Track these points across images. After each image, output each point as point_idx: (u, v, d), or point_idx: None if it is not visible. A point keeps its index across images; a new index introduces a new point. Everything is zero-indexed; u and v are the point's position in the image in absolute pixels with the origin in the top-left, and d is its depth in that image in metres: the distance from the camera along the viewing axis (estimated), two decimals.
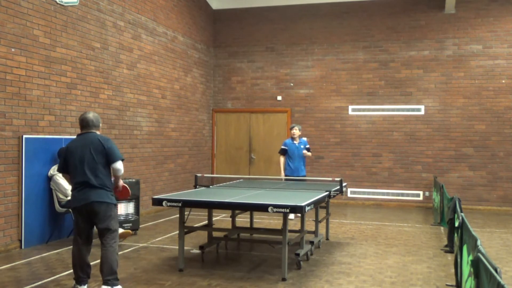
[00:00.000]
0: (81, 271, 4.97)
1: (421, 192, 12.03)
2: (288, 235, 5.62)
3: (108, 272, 4.84)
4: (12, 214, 6.88)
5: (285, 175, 9.63)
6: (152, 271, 5.83)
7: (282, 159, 9.80)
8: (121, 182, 5.20)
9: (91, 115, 5.10)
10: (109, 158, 4.96)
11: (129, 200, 8.07)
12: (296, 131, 9.72)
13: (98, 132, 5.11)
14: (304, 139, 10.16)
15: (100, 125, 5.18)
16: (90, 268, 5.06)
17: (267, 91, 13.13)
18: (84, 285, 5.02)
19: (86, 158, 4.92)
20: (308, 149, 9.84)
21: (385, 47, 12.29)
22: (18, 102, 6.97)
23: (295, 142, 9.73)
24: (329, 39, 12.67)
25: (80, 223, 4.98)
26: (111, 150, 4.97)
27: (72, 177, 5.02)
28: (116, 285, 4.88)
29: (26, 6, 7.10)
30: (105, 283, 4.85)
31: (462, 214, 5.00)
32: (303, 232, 6.47)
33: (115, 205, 5.08)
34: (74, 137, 7.94)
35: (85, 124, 5.08)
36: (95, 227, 5.03)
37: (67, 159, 5.00)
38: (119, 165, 5.01)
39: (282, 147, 9.84)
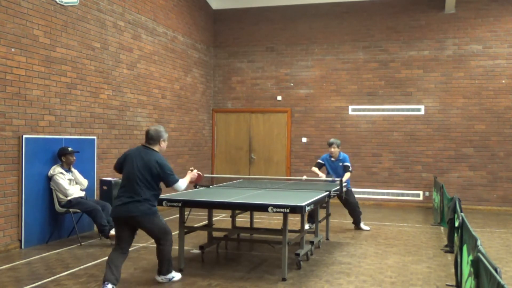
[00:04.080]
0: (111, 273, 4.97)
1: (421, 192, 12.03)
2: (288, 235, 5.62)
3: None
4: (12, 214, 6.88)
5: None
6: (152, 271, 5.82)
7: (315, 168, 8.74)
8: (193, 173, 5.57)
9: (152, 128, 5.35)
10: (163, 181, 5.20)
11: None
12: (335, 149, 8.68)
13: (156, 148, 5.31)
14: (345, 155, 8.93)
15: (161, 139, 5.31)
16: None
17: (267, 91, 13.13)
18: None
19: (135, 171, 5.12)
20: (346, 168, 8.63)
21: (385, 47, 12.29)
22: (18, 102, 6.98)
23: (332, 159, 8.75)
24: (329, 39, 12.68)
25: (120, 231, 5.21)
26: (164, 174, 5.15)
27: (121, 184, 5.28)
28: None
29: (26, 6, 7.10)
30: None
31: (462, 214, 5.00)
32: (303, 232, 6.47)
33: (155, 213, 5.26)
34: (74, 137, 8.01)
35: (146, 137, 5.37)
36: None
37: (123, 165, 5.29)
38: (177, 187, 5.27)
39: (318, 161, 8.86)
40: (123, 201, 5.08)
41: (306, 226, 8.67)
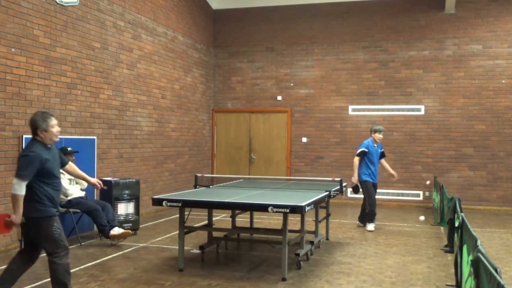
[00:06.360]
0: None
1: (421, 192, 12.03)
2: (288, 235, 5.62)
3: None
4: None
5: (363, 180, 8.70)
6: (152, 271, 5.83)
7: (357, 161, 8.78)
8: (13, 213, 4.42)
9: (31, 118, 4.49)
10: None
11: (129, 200, 8.08)
12: (381, 136, 8.95)
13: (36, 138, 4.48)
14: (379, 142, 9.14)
15: (38, 130, 4.39)
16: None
17: (267, 91, 13.13)
18: None
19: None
20: (383, 154, 9.14)
21: (385, 47, 12.29)
22: (18, 102, 6.98)
23: (375, 145, 8.90)
24: (329, 39, 12.67)
25: None
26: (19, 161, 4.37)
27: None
28: None
29: (26, 6, 7.10)
30: None
31: (462, 214, 5.00)
32: (303, 232, 6.47)
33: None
34: (74, 137, 8.01)
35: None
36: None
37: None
38: (13, 182, 4.31)
39: (363, 149, 8.79)
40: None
41: (370, 227, 8.66)
